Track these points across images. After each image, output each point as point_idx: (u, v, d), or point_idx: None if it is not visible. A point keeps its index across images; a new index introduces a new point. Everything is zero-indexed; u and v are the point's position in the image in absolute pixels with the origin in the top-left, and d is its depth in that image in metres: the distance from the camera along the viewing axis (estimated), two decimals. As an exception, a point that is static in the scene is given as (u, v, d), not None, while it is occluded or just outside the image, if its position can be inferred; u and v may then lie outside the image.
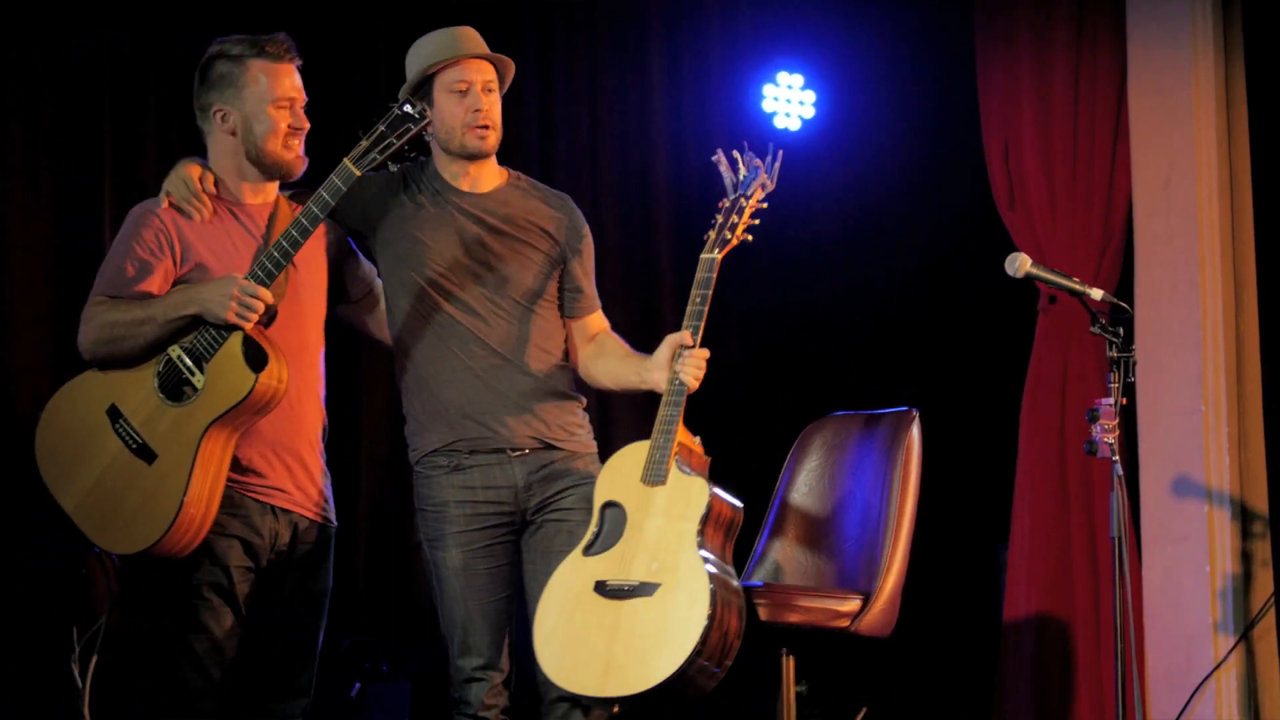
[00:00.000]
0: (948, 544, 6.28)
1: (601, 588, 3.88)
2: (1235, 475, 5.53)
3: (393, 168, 3.88)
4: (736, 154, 4.13)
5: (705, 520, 3.90)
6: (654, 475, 3.97)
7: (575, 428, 4.22)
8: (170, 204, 3.98)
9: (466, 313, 4.12)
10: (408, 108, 3.85)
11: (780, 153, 4.13)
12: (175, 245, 3.95)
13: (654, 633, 3.80)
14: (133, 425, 3.85)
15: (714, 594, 3.79)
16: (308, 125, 4.03)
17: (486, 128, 4.14)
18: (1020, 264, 4.50)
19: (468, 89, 4.13)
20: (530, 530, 4.15)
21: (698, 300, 4.03)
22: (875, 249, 6.75)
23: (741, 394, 6.64)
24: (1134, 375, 4.46)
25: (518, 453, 4.12)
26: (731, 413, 6.59)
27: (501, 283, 4.14)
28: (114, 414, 3.87)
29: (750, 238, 4.09)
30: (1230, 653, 5.43)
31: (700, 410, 6.55)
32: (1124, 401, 4.44)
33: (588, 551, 3.97)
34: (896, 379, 6.52)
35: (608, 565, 3.91)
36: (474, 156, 4.16)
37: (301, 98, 4.05)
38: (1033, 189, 5.94)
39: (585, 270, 4.26)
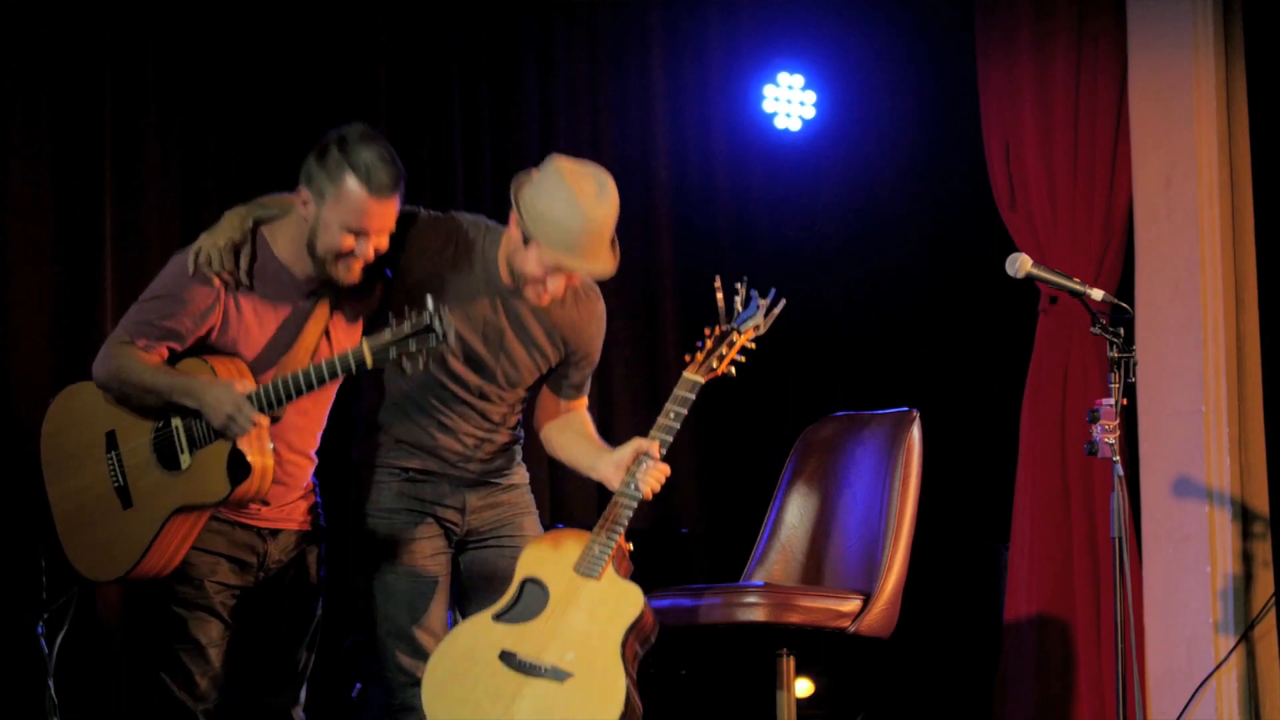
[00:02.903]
0: (948, 544, 6.28)
1: (508, 658, 3.87)
2: (1236, 475, 5.53)
3: (406, 368, 3.77)
4: (739, 285, 4.05)
5: (631, 629, 3.89)
6: (589, 568, 3.94)
7: (517, 463, 4.28)
8: (197, 268, 3.89)
9: (457, 384, 4.12)
10: (437, 324, 3.72)
11: (783, 301, 4.06)
12: (218, 313, 3.90)
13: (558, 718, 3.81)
14: (123, 464, 3.89)
15: (628, 699, 3.80)
16: (372, 257, 3.91)
17: (546, 295, 4.06)
18: (1021, 264, 4.50)
19: (558, 278, 4.03)
20: (470, 550, 4.20)
21: (670, 416, 4.00)
22: (876, 249, 6.75)
23: (742, 394, 6.64)
24: (1134, 376, 4.46)
25: (468, 479, 4.17)
26: (732, 413, 6.59)
27: (501, 377, 4.14)
28: (111, 441, 3.89)
29: (734, 372, 4.04)
30: (1231, 653, 5.43)
31: (702, 410, 6.57)
32: (1124, 402, 4.44)
33: (497, 617, 3.95)
34: (896, 379, 6.52)
35: (518, 639, 3.90)
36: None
37: (379, 227, 3.89)
38: (1033, 189, 5.94)
39: (588, 367, 4.25)
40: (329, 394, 4.11)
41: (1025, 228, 5.97)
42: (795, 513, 4.94)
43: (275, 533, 4.05)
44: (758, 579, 4.84)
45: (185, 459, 3.83)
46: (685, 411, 4.01)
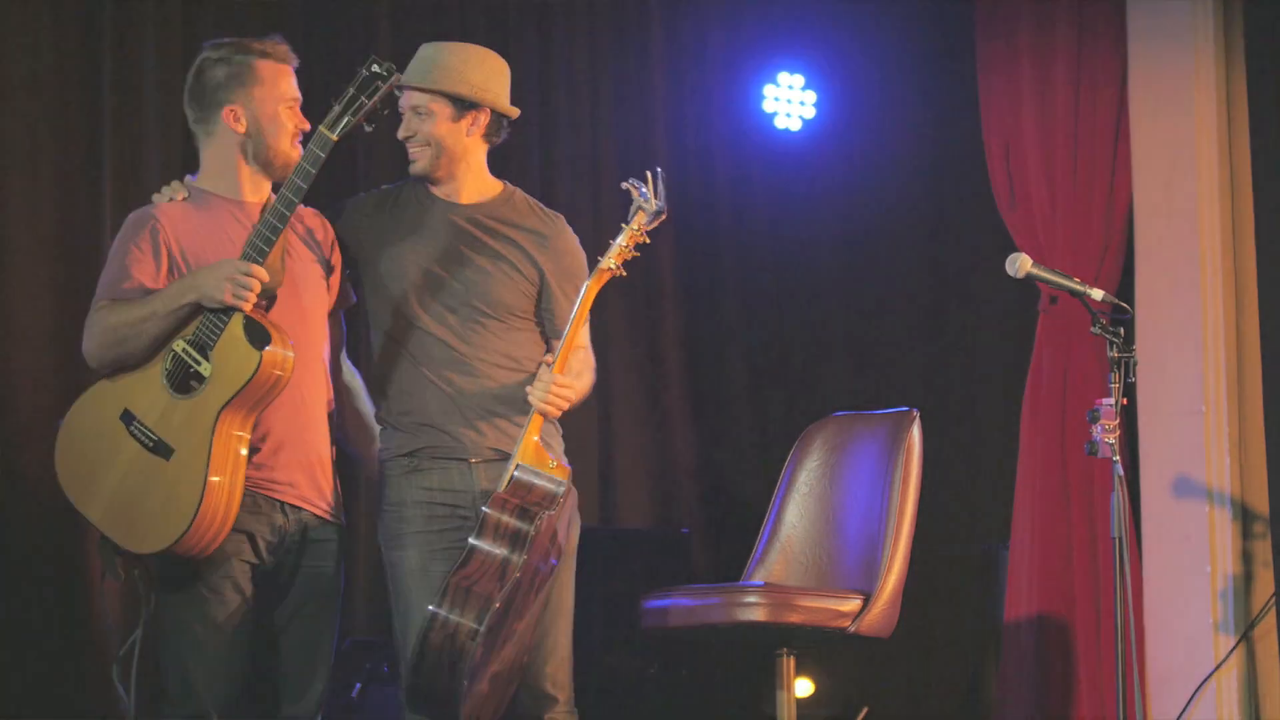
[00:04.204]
0: (948, 544, 6.29)
1: None
2: (1236, 475, 5.53)
3: (368, 128, 3.88)
4: (649, 175, 4.05)
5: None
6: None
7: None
8: (162, 203, 4.00)
9: (438, 322, 4.11)
10: (375, 67, 3.86)
11: (660, 171, 4.05)
12: (173, 244, 3.94)
13: None
14: (146, 425, 3.83)
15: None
16: (309, 126, 4.02)
17: (414, 149, 4.15)
18: (1021, 264, 4.50)
19: (404, 113, 4.16)
20: None
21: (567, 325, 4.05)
22: (876, 249, 6.74)
23: (742, 394, 6.64)
24: (1134, 375, 4.45)
25: (478, 459, 4.11)
26: (732, 413, 6.59)
27: (474, 295, 4.12)
28: (127, 418, 3.85)
29: (619, 269, 4.04)
30: (1231, 653, 5.43)
31: (702, 410, 6.58)
32: (1124, 402, 4.44)
33: None
34: (896, 379, 6.52)
35: None
36: (415, 177, 4.19)
37: (300, 99, 4.07)
38: (1033, 189, 5.95)
39: (565, 292, 4.20)
40: (319, 340, 4.10)
41: (1025, 227, 5.97)
42: (795, 513, 4.93)
43: (298, 510, 4.00)
44: (758, 579, 4.83)
45: (205, 367, 3.81)
46: (578, 318, 4.03)
